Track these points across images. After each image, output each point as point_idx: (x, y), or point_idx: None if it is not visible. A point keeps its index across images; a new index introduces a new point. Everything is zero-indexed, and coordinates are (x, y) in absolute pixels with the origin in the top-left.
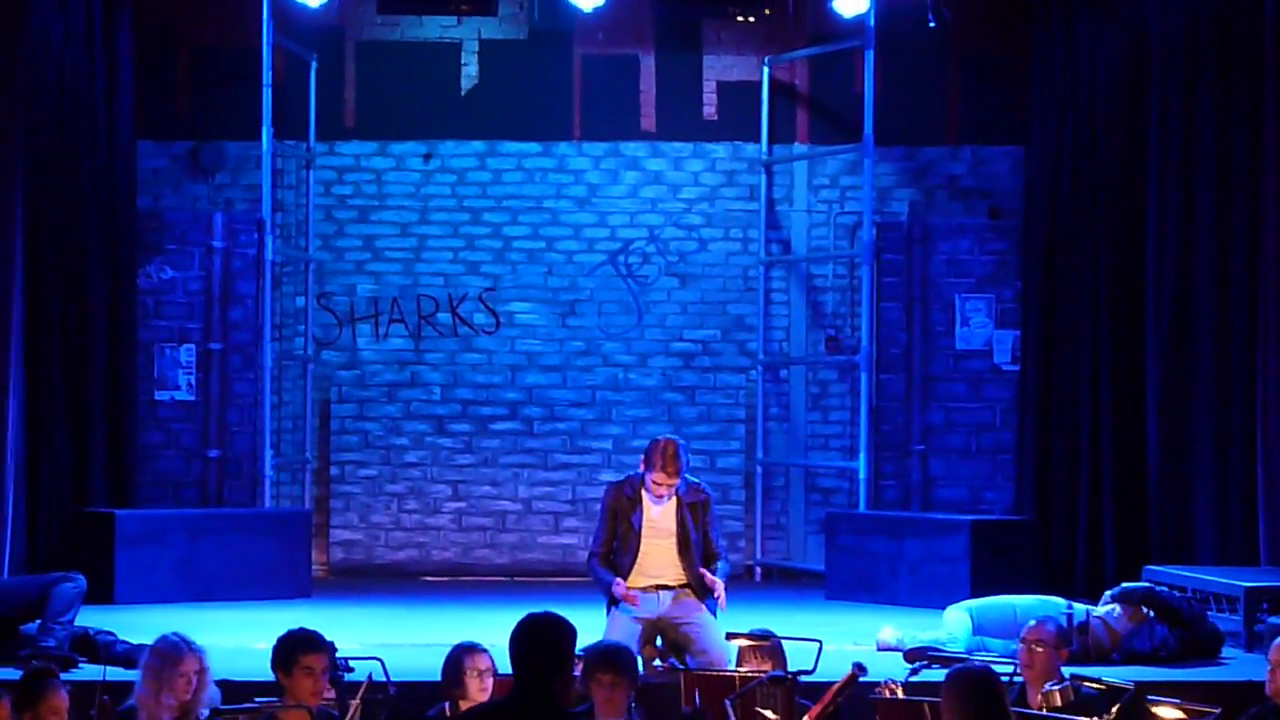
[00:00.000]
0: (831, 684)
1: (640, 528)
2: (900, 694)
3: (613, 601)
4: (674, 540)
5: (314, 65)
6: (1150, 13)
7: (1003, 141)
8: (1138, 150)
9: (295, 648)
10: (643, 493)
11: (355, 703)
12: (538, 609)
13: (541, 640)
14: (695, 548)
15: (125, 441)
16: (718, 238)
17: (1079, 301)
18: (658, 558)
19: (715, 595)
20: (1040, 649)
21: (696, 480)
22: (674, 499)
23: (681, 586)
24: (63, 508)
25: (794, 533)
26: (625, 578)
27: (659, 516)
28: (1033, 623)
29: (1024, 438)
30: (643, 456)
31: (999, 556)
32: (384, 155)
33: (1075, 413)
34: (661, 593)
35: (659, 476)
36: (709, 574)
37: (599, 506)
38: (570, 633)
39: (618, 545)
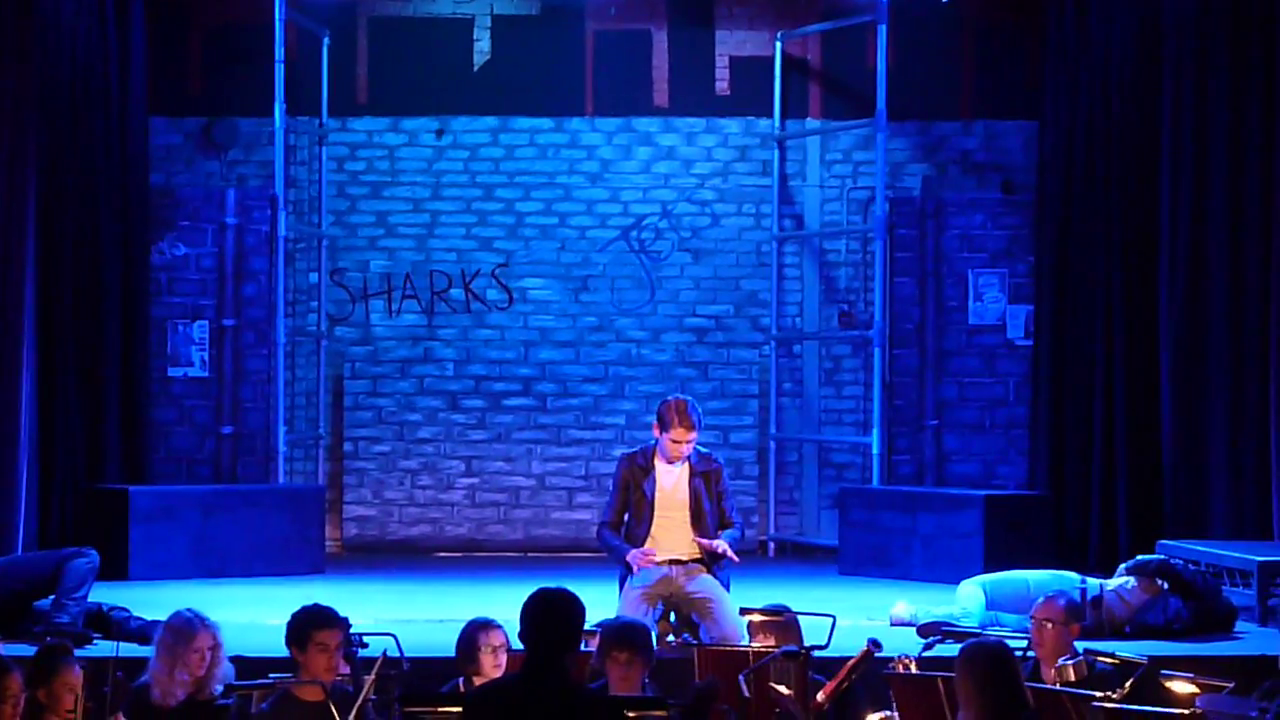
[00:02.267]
0: (846, 660)
1: (653, 497)
2: (914, 669)
3: (628, 569)
4: (687, 511)
5: (326, 41)
6: None
7: (1016, 116)
8: (1151, 124)
9: (309, 624)
10: (655, 461)
11: (370, 678)
12: (551, 585)
13: (551, 615)
14: (709, 517)
15: (139, 418)
16: (730, 213)
17: (1092, 276)
18: (671, 531)
19: (720, 551)
20: (1050, 625)
21: (708, 450)
22: (686, 468)
23: (695, 561)
24: (76, 484)
25: (807, 508)
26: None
27: (671, 487)
28: (1042, 599)
29: (1037, 412)
30: (655, 421)
31: (1012, 531)
32: (396, 131)
33: (1089, 387)
34: (675, 567)
35: (677, 433)
36: (707, 542)
37: (610, 479)
38: (579, 607)
39: (631, 518)
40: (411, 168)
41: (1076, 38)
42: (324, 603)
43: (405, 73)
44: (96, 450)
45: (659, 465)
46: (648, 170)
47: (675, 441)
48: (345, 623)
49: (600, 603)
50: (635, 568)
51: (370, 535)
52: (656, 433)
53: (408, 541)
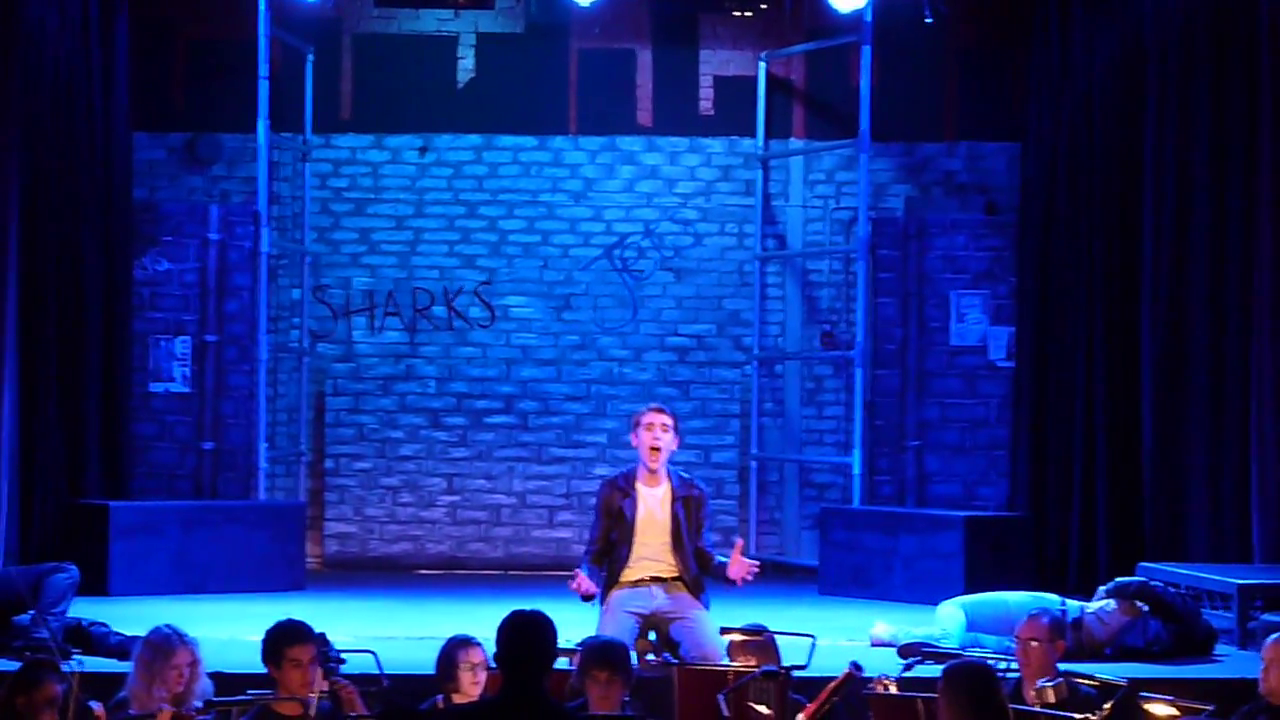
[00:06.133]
0: (826, 680)
1: (634, 519)
2: (894, 689)
3: (607, 590)
4: (668, 535)
5: (310, 58)
6: (1146, 9)
7: (999, 138)
8: (1133, 146)
9: (281, 640)
10: (637, 484)
11: (350, 694)
12: (531, 603)
13: (527, 638)
14: (687, 544)
15: (120, 433)
16: (713, 232)
17: (1074, 297)
18: (652, 551)
19: (751, 569)
20: (1035, 644)
21: (689, 476)
22: (668, 492)
23: (674, 580)
24: (57, 499)
25: (788, 528)
26: (621, 569)
27: (653, 509)
28: (1025, 619)
29: (1018, 434)
30: (631, 430)
31: (993, 552)
32: (380, 148)
33: (1070, 409)
34: (655, 586)
35: (649, 417)
36: (747, 563)
37: (593, 502)
38: (552, 629)
39: (615, 538)
40: (395, 185)
41: (1059, 60)
42: (304, 619)
43: (389, 90)
44: (77, 465)
45: (640, 488)
46: (631, 189)
47: (649, 427)
48: (319, 638)
49: (580, 621)
50: (578, 593)
51: (351, 552)
52: (634, 441)
53: (388, 559)
